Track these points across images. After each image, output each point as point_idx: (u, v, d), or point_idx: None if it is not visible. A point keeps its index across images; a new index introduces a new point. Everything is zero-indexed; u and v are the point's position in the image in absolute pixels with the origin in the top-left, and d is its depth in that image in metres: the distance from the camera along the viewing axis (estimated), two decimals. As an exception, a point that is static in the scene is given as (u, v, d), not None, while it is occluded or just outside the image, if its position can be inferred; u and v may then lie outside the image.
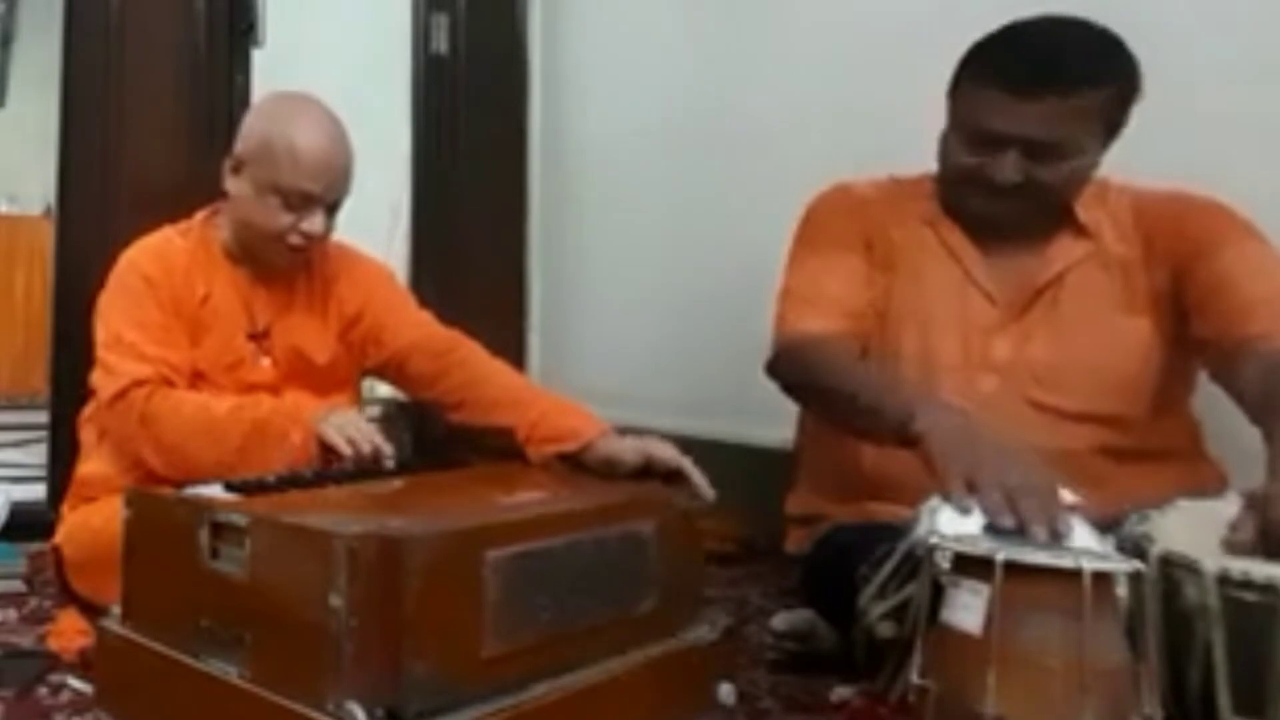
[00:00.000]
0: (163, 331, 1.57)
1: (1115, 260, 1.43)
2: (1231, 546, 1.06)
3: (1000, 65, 1.38)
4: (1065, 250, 1.45)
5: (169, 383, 1.54)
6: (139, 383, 1.51)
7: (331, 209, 1.60)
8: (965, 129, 1.42)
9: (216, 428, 1.47)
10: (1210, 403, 1.45)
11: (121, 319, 1.58)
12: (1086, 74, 1.33)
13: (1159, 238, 1.42)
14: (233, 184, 1.61)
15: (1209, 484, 1.37)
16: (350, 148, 1.61)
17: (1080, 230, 1.45)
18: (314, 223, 1.57)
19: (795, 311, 1.52)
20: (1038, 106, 1.34)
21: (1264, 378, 1.25)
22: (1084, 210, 1.44)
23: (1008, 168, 1.38)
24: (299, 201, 1.56)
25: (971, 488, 1.12)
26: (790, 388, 1.52)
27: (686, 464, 1.32)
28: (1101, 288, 1.43)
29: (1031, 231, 1.46)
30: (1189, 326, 1.39)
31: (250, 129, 1.61)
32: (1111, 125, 1.38)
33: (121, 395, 1.52)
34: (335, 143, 1.58)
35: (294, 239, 1.58)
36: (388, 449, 1.41)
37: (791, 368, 1.50)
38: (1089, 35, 1.36)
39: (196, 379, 1.60)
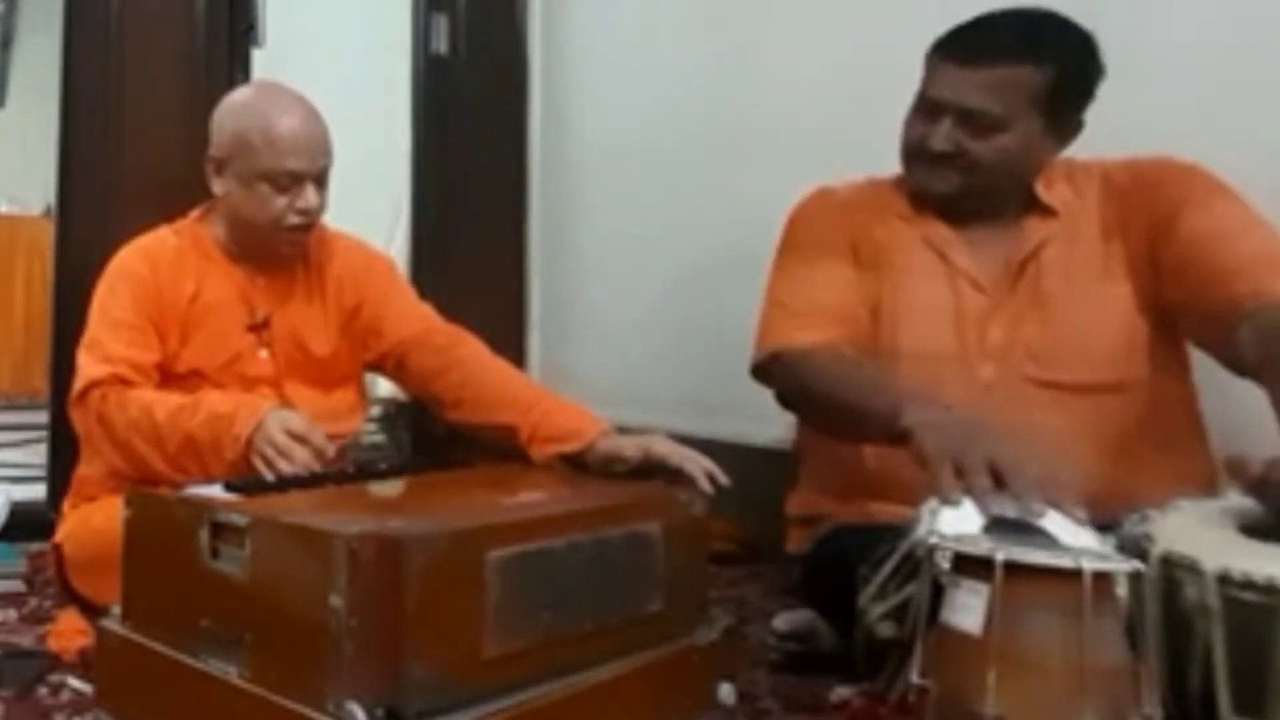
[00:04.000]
0: (135, 332, 1.58)
1: (1087, 232, 1.45)
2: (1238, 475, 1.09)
3: (949, 38, 1.45)
4: (1037, 229, 1.47)
5: (126, 381, 1.54)
6: (96, 383, 1.53)
7: (319, 182, 1.60)
8: (917, 102, 1.48)
9: (156, 433, 1.47)
10: (1207, 394, 1.45)
11: (98, 320, 1.60)
12: (1012, 48, 1.39)
13: (1132, 203, 1.43)
14: (218, 185, 1.62)
15: (1209, 460, 1.38)
16: (321, 120, 1.61)
17: (1045, 210, 1.47)
18: (307, 198, 1.57)
19: (782, 323, 1.52)
20: (969, 74, 1.41)
21: (1261, 336, 1.25)
22: (1045, 190, 1.47)
23: (939, 135, 1.43)
24: (288, 181, 1.56)
25: (960, 474, 1.13)
26: (783, 399, 1.54)
27: (688, 463, 1.32)
28: (1077, 260, 1.44)
29: (997, 213, 1.48)
30: (1167, 288, 1.40)
31: (221, 127, 1.61)
32: (1049, 109, 1.40)
33: (82, 396, 1.54)
34: (306, 117, 1.59)
35: (293, 219, 1.58)
36: (330, 452, 1.41)
37: (783, 380, 1.51)
38: (1033, 17, 1.42)
39: (194, 377, 1.60)
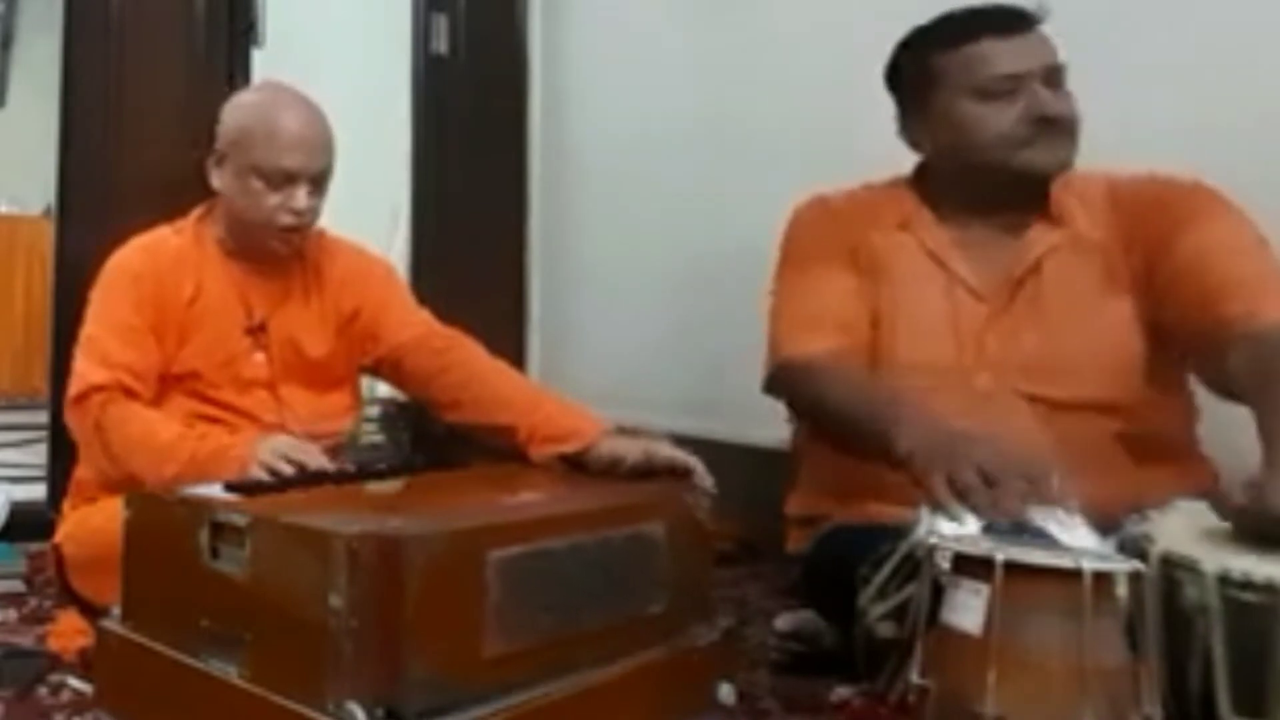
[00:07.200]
0: (136, 335, 1.57)
1: (1091, 245, 1.43)
2: (1221, 511, 1.08)
3: (975, 21, 1.43)
4: (1040, 238, 1.45)
5: (128, 390, 1.53)
6: (97, 388, 1.52)
7: (315, 185, 1.59)
8: (978, 89, 1.41)
9: (158, 452, 1.46)
10: (1205, 398, 1.44)
11: (96, 318, 1.59)
12: (1027, 13, 1.41)
13: (1136, 220, 1.42)
14: (217, 178, 1.62)
15: (1204, 477, 1.37)
16: (326, 123, 1.61)
17: (1053, 217, 1.45)
18: (298, 198, 1.57)
19: (787, 334, 1.51)
20: (1033, 37, 1.40)
21: (1254, 358, 1.23)
22: (1054, 196, 1.45)
23: (1055, 99, 1.39)
24: (281, 179, 1.56)
25: (955, 488, 1.13)
26: (795, 411, 1.54)
27: (693, 462, 1.32)
28: (1079, 273, 1.43)
29: (1010, 216, 1.46)
30: (1163, 307, 1.38)
31: (225, 122, 1.62)
32: None
33: (81, 399, 1.53)
34: (308, 119, 1.59)
35: (284, 219, 1.58)
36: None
37: (793, 393, 1.51)
38: None
39: (191, 378, 1.60)
